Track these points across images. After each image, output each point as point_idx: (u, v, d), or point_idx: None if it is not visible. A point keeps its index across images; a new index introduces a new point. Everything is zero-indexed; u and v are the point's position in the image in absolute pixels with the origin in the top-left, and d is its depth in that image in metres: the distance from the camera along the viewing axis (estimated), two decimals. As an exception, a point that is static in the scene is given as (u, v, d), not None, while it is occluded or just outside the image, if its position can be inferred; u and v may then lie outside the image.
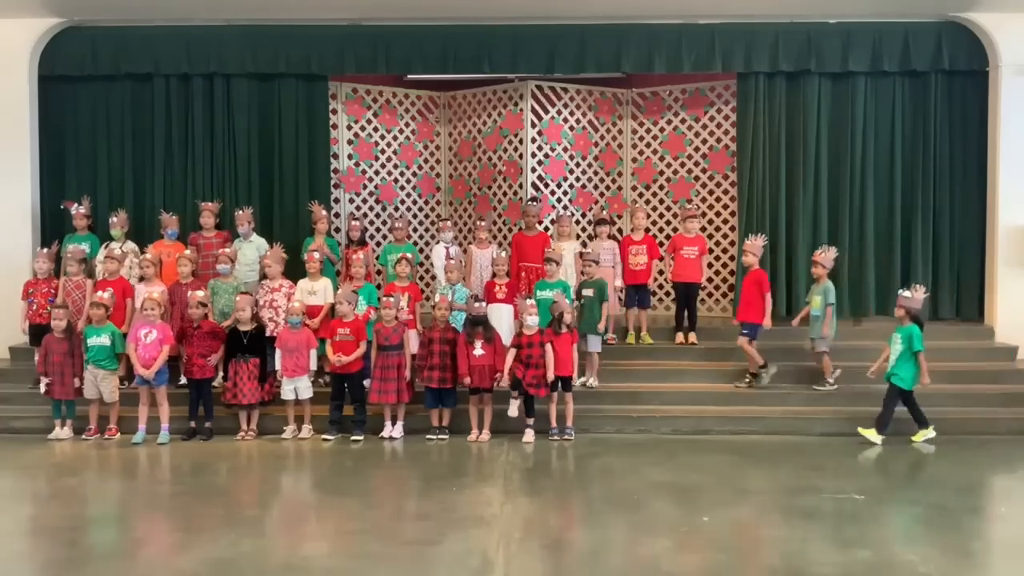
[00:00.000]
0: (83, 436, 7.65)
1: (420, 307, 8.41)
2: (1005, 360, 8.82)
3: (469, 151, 10.74)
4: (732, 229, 10.10)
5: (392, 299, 7.69)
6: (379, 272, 9.05)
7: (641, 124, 10.64)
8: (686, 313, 8.88)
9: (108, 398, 7.62)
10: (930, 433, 7.48)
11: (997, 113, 9.27)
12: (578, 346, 8.02)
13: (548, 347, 7.48)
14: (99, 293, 7.72)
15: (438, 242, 9.17)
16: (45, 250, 8.58)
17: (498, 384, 7.60)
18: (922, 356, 7.47)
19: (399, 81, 10.56)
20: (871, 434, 7.47)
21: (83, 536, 5.45)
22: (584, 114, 10.44)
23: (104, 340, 7.56)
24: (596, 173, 10.57)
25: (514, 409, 7.51)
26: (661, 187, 10.55)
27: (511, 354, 7.56)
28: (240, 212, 8.83)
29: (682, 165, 10.45)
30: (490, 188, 10.54)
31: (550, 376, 7.47)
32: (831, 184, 9.53)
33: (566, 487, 6.47)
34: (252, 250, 8.70)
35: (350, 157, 10.42)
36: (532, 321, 7.49)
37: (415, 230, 10.67)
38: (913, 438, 7.49)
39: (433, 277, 9.08)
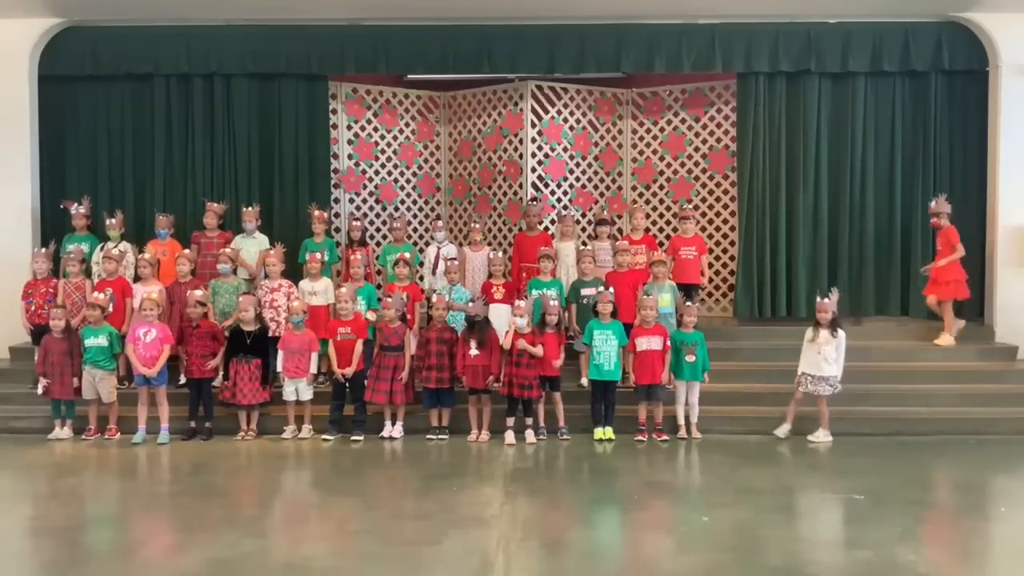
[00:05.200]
0: (83, 436, 7.65)
1: (421, 307, 8.41)
2: (1005, 360, 8.82)
3: (469, 151, 10.74)
4: (732, 229, 10.10)
5: (392, 299, 7.69)
6: (379, 272, 9.06)
7: (641, 124, 10.63)
8: (686, 313, 8.87)
9: (106, 399, 7.61)
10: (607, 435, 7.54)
11: (997, 113, 9.27)
12: (577, 346, 8.03)
13: (539, 347, 7.46)
14: (96, 294, 7.72)
15: (432, 241, 9.20)
16: (43, 250, 8.57)
17: (489, 385, 7.59)
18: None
19: (399, 81, 10.56)
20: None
21: (83, 536, 5.45)
22: (584, 114, 10.43)
23: (101, 341, 7.55)
24: (596, 173, 10.57)
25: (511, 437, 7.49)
26: (661, 187, 10.54)
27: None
28: (249, 209, 8.86)
29: (682, 165, 10.45)
30: (490, 188, 10.53)
31: (538, 351, 7.37)
32: (831, 184, 9.53)
33: (566, 487, 6.47)
34: (255, 246, 8.73)
35: (350, 157, 10.42)
36: (521, 323, 7.48)
37: (415, 230, 10.67)
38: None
39: (421, 278, 9.10)
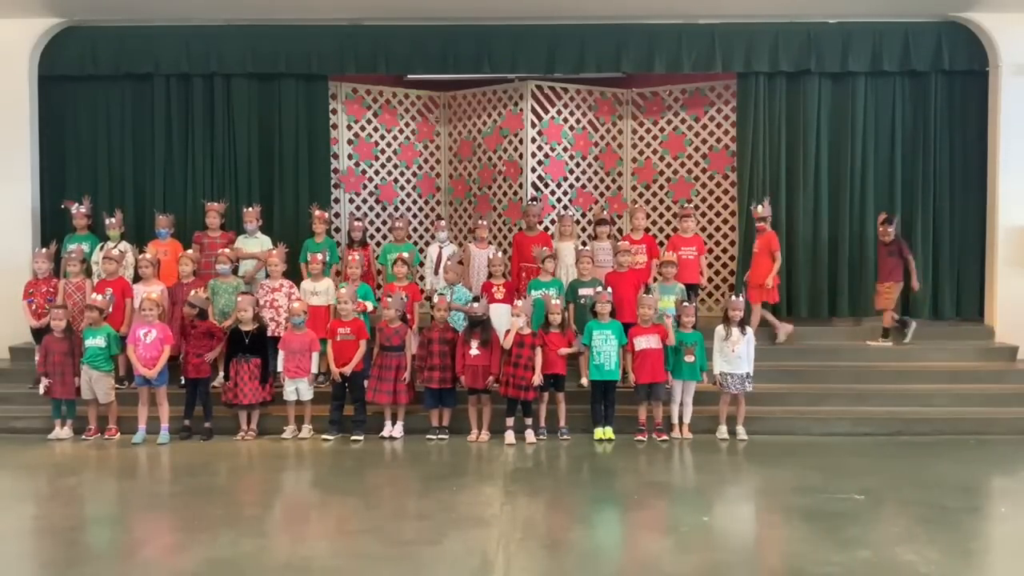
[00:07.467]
0: (83, 436, 7.65)
1: (420, 307, 8.41)
2: (1005, 360, 8.82)
3: (469, 151, 10.74)
4: (732, 229, 10.10)
5: (391, 298, 7.69)
6: (379, 272, 9.07)
7: (641, 124, 10.64)
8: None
9: (103, 399, 7.61)
10: (607, 435, 7.53)
11: (997, 113, 9.27)
12: (575, 346, 8.03)
13: (538, 351, 7.47)
14: (95, 296, 7.72)
15: (433, 241, 9.20)
16: (44, 250, 8.57)
17: (488, 385, 7.58)
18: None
19: (399, 81, 10.57)
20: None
21: (83, 536, 5.45)
22: (584, 114, 10.43)
23: (99, 342, 7.55)
24: (596, 173, 10.57)
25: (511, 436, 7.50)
26: (661, 187, 10.55)
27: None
28: (249, 210, 8.86)
29: (682, 165, 10.45)
30: (490, 188, 10.53)
31: (536, 380, 7.41)
32: (831, 184, 9.53)
33: (566, 487, 6.47)
34: (256, 246, 8.74)
35: (350, 157, 10.42)
36: (519, 322, 7.47)
37: (415, 230, 10.67)
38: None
39: (421, 278, 9.09)
